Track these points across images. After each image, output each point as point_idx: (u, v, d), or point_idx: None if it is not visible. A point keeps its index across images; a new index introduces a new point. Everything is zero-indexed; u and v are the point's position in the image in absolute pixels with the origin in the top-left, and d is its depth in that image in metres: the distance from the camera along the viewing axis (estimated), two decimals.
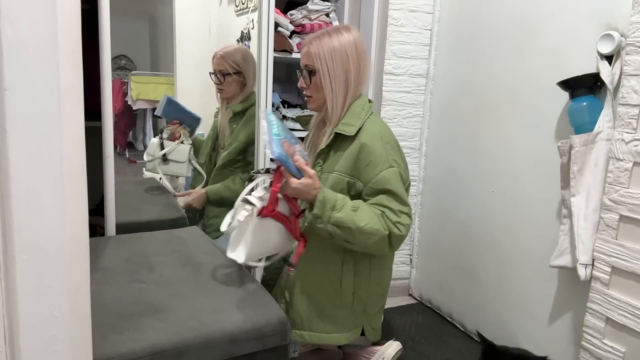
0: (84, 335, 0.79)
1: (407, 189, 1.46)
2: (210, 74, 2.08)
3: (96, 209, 1.96)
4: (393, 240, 1.35)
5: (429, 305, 2.17)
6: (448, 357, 1.76)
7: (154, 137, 2.19)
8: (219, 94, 2.12)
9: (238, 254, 1.29)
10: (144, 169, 2.16)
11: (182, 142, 2.11)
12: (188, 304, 1.14)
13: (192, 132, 2.19)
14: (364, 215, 1.31)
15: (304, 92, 1.51)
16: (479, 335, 1.45)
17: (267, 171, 1.37)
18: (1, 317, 0.67)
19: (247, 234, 1.27)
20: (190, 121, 2.18)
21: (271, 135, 1.26)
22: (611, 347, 1.29)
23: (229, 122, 2.10)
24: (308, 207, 1.36)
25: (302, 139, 2.31)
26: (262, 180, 1.36)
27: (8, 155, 0.63)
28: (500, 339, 1.76)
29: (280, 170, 1.29)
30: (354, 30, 1.47)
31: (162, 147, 2.08)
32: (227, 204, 1.90)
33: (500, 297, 1.77)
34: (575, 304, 1.47)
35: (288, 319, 1.28)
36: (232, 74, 2.02)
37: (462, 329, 1.97)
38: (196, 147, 2.23)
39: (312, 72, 1.45)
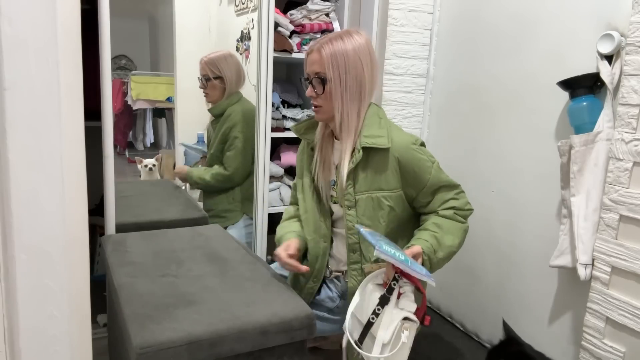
0: (84, 335, 0.79)
1: None
2: (198, 78, 2.18)
3: (96, 209, 1.96)
4: (468, 219, 1.41)
5: (429, 306, 2.17)
6: (448, 357, 1.76)
7: (154, 137, 2.24)
8: (205, 98, 2.21)
9: None
10: None
11: None
12: (219, 297, 1.18)
13: None
14: (448, 235, 1.34)
15: (312, 102, 1.39)
16: (504, 323, 1.40)
17: (376, 261, 1.29)
18: (1, 317, 0.67)
19: (405, 351, 1.11)
20: None
21: (398, 259, 1.10)
22: (611, 347, 1.29)
23: (211, 124, 2.22)
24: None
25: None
26: (379, 276, 1.22)
27: (8, 155, 0.63)
28: (500, 339, 1.76)
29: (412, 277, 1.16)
30: (365, 34, 1.39)
31: None
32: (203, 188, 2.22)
33: (500, 297, 1.77)
34: (575, 304, 1.47)
35: None
36: (212, 78, 2.12)
37: (462, 329, 1.97)
38: None
39: (323, 81, 1.34)
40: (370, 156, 1.34)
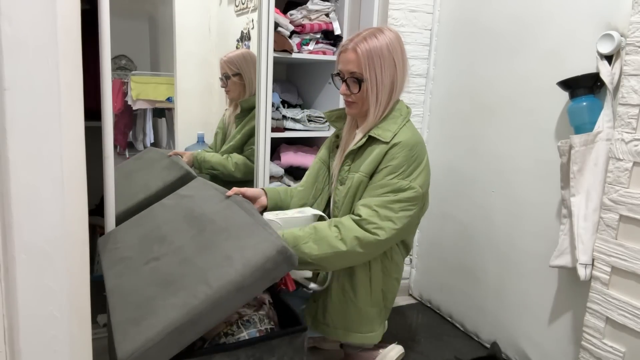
0: (84, 335, 0.79)
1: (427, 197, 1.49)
2: (219, 79, 2.21)
3: (96, 209, 1.96)
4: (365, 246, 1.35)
5: (429, 305, 2.17)
6: (448, 357, 1.76)
7: (154, 137, 2.25)
8: (227, 95, 2.23)
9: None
10: None
11: None
12: (195, 267, 1.16)
13: None
14: (313, 244, 1.34)
15: (346, 98, 1.44)
16: (494, 344, 1.46)
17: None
18: (1, 317, 0.67)
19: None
20: None
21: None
22: (611, 347, 1.29)
23: (235, 118, 2.22)
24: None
25: (303, 139, 2.31)
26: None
27: (8, 155, 0.63)
28: (500, 339, 1.77)
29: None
30: (395, 30, 1.42)
31: None
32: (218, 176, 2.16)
33: (500, 297, 1.77)
34: (575, 304, 1.47)
35: (323, 319, 1.32)
36: (231, 76, 2.14)
37: (462, 329, 1.97)
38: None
39: (360, 81, 1.38)
40: (373, 144, 1.41)
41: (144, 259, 1.30)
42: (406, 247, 1.57)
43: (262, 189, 1.60)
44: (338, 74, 1.44)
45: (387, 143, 1.38)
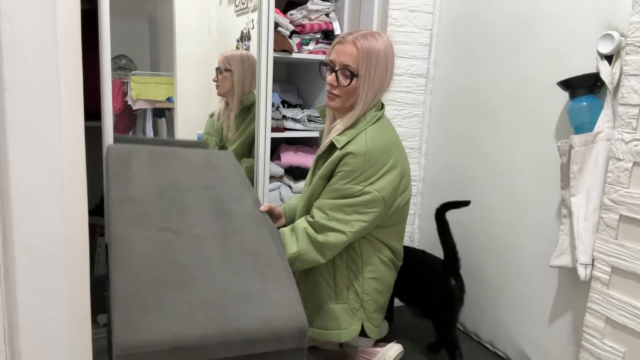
0: (84, 335, 0.79)
1: (402, 198, 1.48)
2: (215, 69, 2.23)
3: (96, 209, 1.96)
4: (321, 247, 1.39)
5: None
6: (448, 357, 1.76)
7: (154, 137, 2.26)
8: (216, 89, 2.24)
9: None
10: None
11: None
12: (213, 278, 1.11)
13: None
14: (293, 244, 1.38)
15: (331, 90, 1.42)
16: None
17: None
18: (1, 317, 0.67)
19: None
20: None
21: None
22: (611, 347, 1.29)
23: (235, 116, 2.20)
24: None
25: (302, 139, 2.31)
26: None
27: (8, 155, 0.63)
28: (500, 339, 1.77)
29: None
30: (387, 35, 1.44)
31: None
32: None
33: (500, 297, 1.77)
34: (575, 304, 1.47)
35: None
36: (223, 71, 2.17)
37: (461, 328, 1.97)
38: None
39: (352, 74, 1.37)
40: (333, 150, 1.42)
41: (159, 223, 1.21)
42: (392, 251, 1.55)
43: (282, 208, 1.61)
44: (327, 65, 1.42)
45: (340, 149, 1.38)
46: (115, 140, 1.57)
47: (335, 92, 1.41)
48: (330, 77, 1.40)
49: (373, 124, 1.42)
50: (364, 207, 1.38)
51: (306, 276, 1.50)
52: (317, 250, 1.37)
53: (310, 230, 1.38)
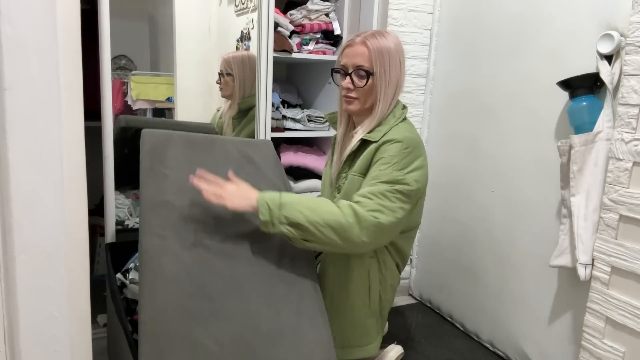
0: (84, 335, 0.79)
1: (422, 199, 1.45)
2: (218, 73, 2.23)
3: (96, 209, 1.96)
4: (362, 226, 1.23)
5: (429, 305, 2.17)
6: (448, 357, 1.76)
7: None
8: (220, 92, 2.24)
9: None
10: None
11: None
12: (245, 309, 1.06)
13: None
14: (312, 209, 1.22)
15: (347, 94, 1.39)
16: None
17: None
18: (1, 317, 0.67)
19: None
20: None
21: None
22: (611, 347, 1.29)
23: (232, 118, 2.21)
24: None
25: (303, 139, 2.31)
26: None
27: (8, 155, 0.63)
28: (500, 339, 1.77)
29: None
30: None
31: None
32: None
33: (500, 297, 1.77)
34: (575, 304, 1.47)
35: None
36: (225, 75, 2.17)
37: (462, 329, 1.97)
38: None
39: (368, 74, 1.35)
40: (366, 145, 1.38)
41: (191, 235, 1.14)
42: (401, 255, 1.50)
43: None
44: (339, 70, 1.41)
45: (376, 142, 1.35)
46: (127, 122, 1.52)
47: (353, 94, 1.38)
48: (345, 82, 1.38)
49: (402, 121, 1.41)
50: (404, 196, 1.29)
51: (340, 293, 1.39)
52: (360, 228, 1.21)
53: (359, 209, 1.23)
